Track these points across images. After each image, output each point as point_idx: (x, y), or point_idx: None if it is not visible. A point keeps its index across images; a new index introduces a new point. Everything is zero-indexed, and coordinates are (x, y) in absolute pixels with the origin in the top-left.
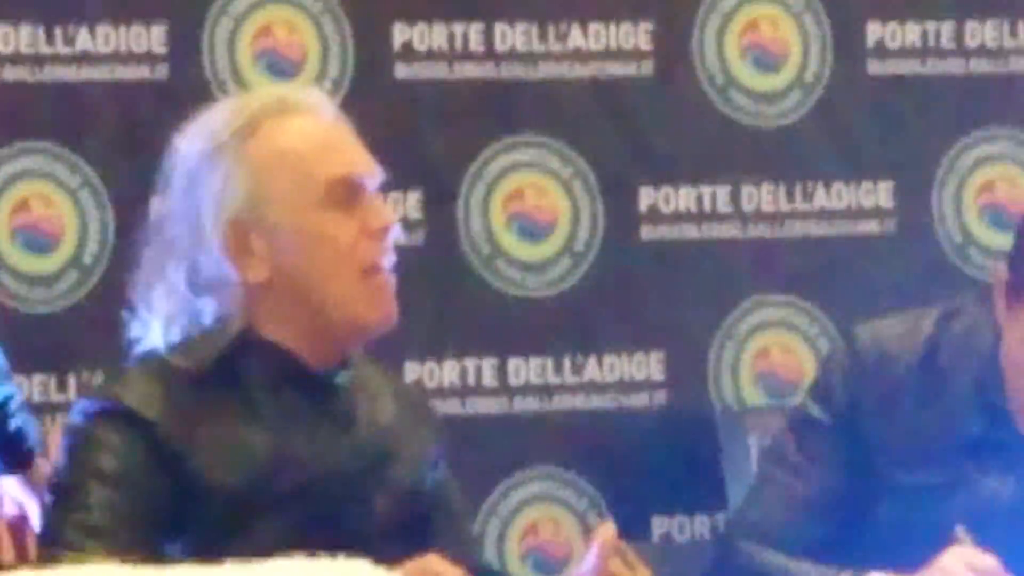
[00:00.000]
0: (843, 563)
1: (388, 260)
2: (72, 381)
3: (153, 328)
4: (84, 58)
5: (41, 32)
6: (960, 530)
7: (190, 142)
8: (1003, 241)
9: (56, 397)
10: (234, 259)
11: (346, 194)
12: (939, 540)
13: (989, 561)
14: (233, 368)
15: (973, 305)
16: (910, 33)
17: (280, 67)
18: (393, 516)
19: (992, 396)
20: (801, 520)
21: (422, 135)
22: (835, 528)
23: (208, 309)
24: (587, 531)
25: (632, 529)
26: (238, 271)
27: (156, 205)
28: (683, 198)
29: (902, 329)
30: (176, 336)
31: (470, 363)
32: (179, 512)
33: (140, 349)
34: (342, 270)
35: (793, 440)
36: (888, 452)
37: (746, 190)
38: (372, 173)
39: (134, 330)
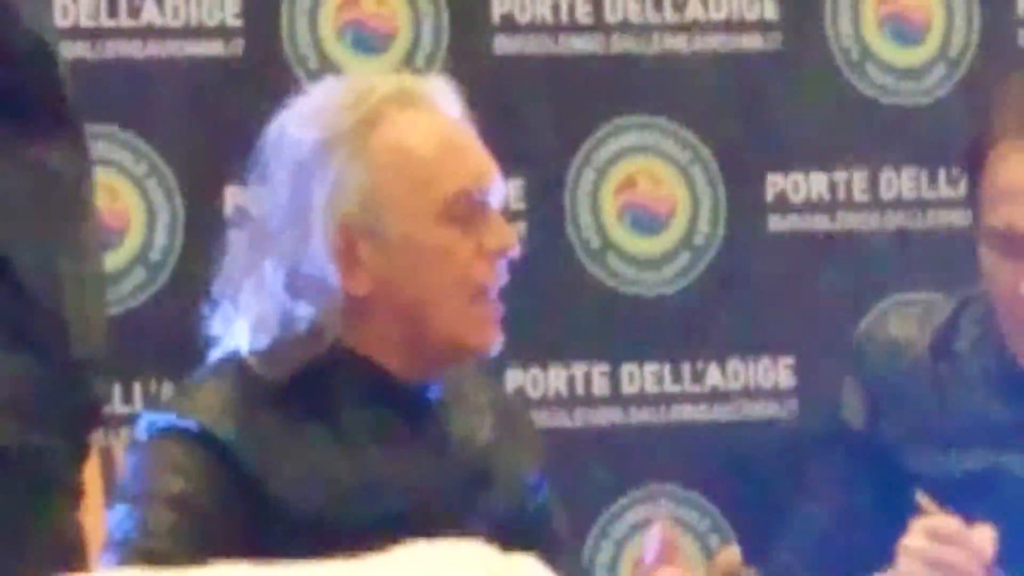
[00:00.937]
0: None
1: (499, 284)
2: (138, 391)
3: (238, 328)
4: (151, 33)
5: (104, 3)
6: (921, 496)
7: (302, 127)
8: None
9: (121, 408)
10: (340, 266)
11: (467, 210)
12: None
13: (951, 525)
14: (320, 382)
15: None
16: None
17: (367, 42)
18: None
19: (1006, 376)
20: (829, 542)
21: (524, 117)
22: (874, 544)
23: (304, 315)
24: (709, 555)
25: (757, 553)
26: (343, 279)
27: (252, 194)
28: (815, 185)
29: (915, 319)
30: (263, 342)
31: (578, 370)
32: (252, 540)
33: (219, 351)
34: (452, 291)
35: (814, 461)
36: (912, 446)
37: (885, 176)
38: (497, 187)
39: (214, 327)
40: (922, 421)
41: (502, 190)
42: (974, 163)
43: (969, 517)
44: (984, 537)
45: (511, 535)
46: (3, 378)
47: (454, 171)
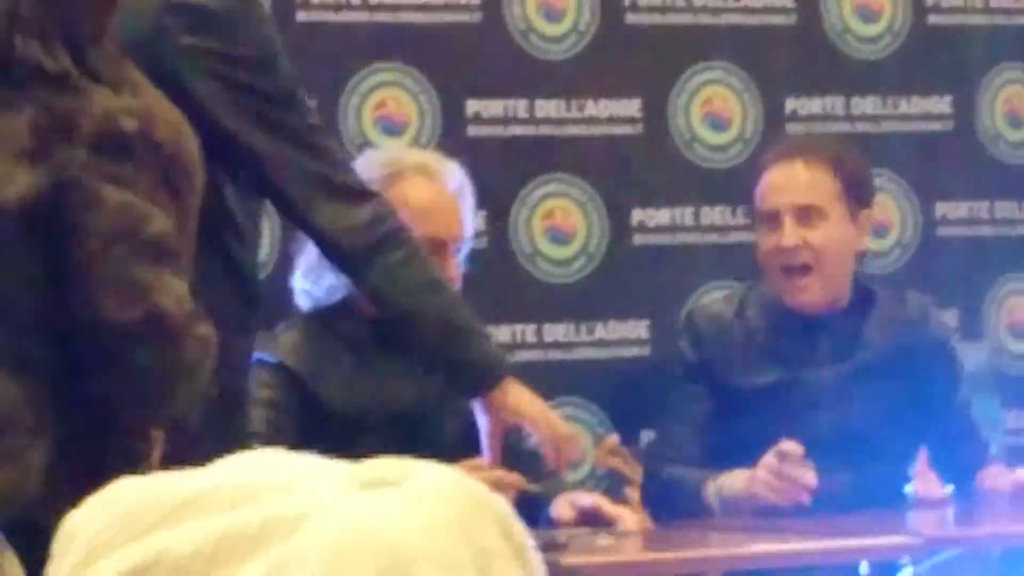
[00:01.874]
0: (731, 467)
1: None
2: None
3: (302, 293)
4: None
5: None
6: (785, 443)
7: (364, 161)
8: None
9: None
10: None
11: (432, 247)
12: (790, 429)
13: (794, 448)
14: (348, 328)
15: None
16: None
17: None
18: (461, 436)
19: (786, 319)
20: (689, 442)
21: (485, 176)
22: (719, 440)
23: (326, 283)
24: (598, 442)
25: (627, 439)
26: None
27: None
28: (661, 216)
29: (722, 300)
30: (308, 302)
31: (518, 327)
32: (308, 434)
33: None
34: None
35: (672, 393)
36: (735, 370)
37: (705, 211)
38: (451, 238)
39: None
40: (734, 356)
41: (460, 240)
42: (752, 189)
43: (780, 411)
44: (809, 468)
45: (478, 429)
46: (241, 351)
47: (427, 221)
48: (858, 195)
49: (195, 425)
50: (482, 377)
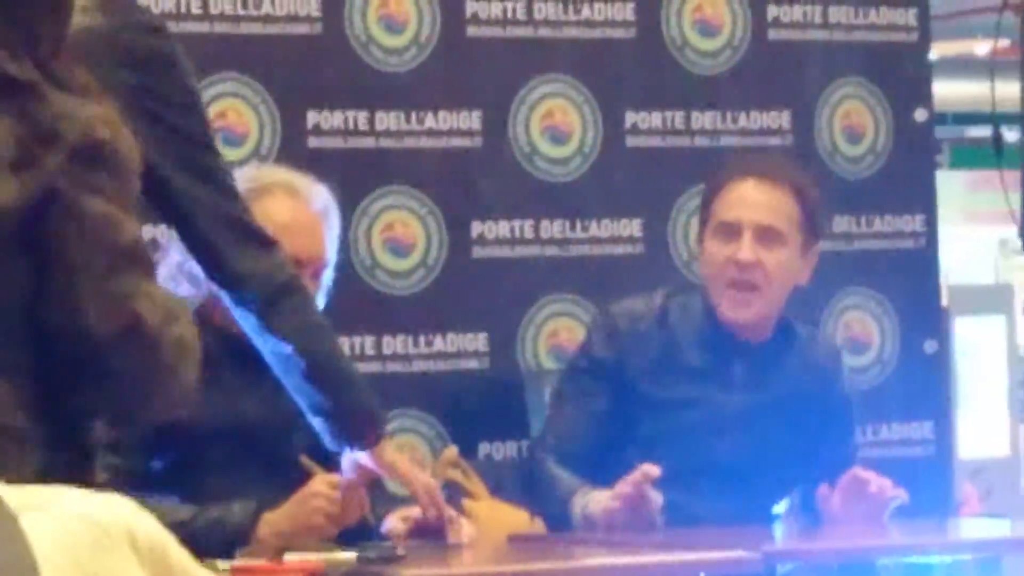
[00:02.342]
0: (619, 471)
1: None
2: None
3: None
4: None
5: None
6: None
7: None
8: None
9: None
10: None
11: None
12: (688, 447)
13: (651, 470)
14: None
15: (684, 289)
16: None
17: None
18: (308, 451)
19: (709, 335)
20: (579, 437)
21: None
22: (611, 442)
23: (183, 291)
24: (435, 452)
25: (465, 451)
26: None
27: None
28: (503, 228)
29: (643, 302)
30: None
31: (358, 338)
32: (154, 439)
33: None
34: None
35: (569, 381)
36: (644, 376)
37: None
38: (311, 259)
39: None
40: (648, 363)
41: (318, 260)
42: (710, 194)
43: (681, 427)
44: (653, 468)
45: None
46: None
47: (287, 241)
48: (814, 229)
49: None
50: (366, 428)
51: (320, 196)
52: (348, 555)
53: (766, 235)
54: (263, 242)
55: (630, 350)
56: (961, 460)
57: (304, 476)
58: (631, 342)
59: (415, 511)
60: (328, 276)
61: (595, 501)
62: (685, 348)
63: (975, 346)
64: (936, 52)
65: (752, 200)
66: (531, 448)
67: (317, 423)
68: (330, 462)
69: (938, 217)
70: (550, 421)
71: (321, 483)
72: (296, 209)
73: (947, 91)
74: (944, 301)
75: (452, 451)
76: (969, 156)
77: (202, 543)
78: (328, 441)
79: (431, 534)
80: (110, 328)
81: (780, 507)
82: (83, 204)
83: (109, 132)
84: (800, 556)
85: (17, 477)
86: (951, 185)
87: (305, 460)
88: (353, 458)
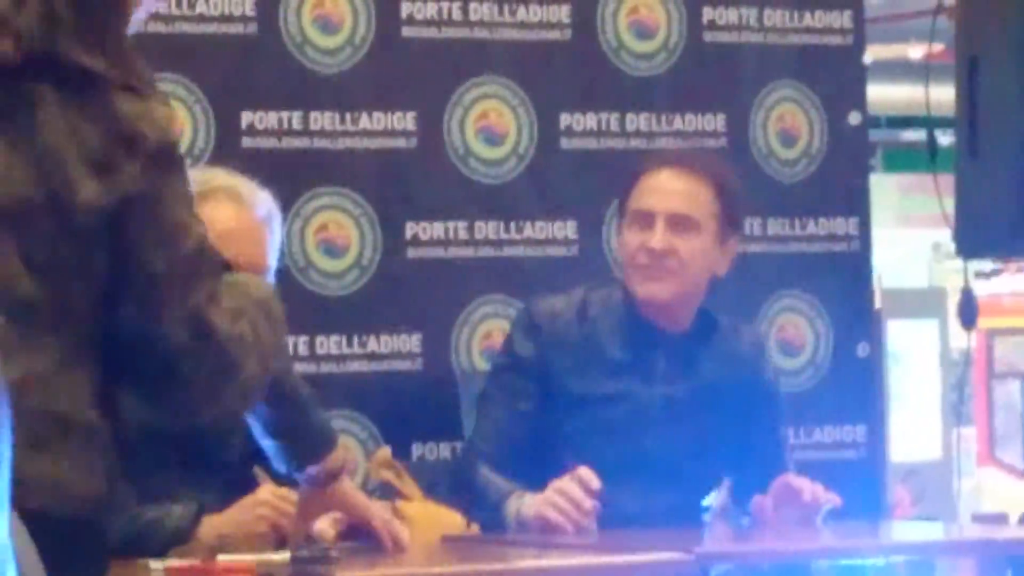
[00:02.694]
0: (550, 470)
1: None
2: None
3: None
4: None
5: None
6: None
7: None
8: None
9: None
10: None
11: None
12: (614, 442)
13: (583, 473)
14: None
15: (606, 283)
16: None
17: None
18: (246, 455)
19: (630, 328)
20: (508, 439)
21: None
22: (540, 441)
23: None
24: (369, 453)
25: (398, 452)
26: None
27: None
28: (438, 229)
29: (563, 299)
30: None
31: (290, 340)
32: None
33: None
34: None
35: (494, 383)
36: (568, 372)
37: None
38: (252, 265)
39: None
40: (570, 359)
41: (259, 266)
42: (629, 186)
43: (606, 423)
44: (592, 477)
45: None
46: None
47: (225, 247)
48: (732, 220)
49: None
50: (321, 450)
51: (264, 202)
52: (281, 556)
53: (680, 223)
54: None
55: (551, 347)
56: (894, 463)
57: (243, 480)
58: (552, 339)
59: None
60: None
61: (527, 505)
62: (606, 342)
63: (908, 349)
64: (871, 55)
65: (667, 189)
66: (461, 453)
67: (269, 445)
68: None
69: (872, 220)
70: (478, 425)
71: (268, 493)
72: (239, 215)
73: (881, 94)
74: (877, 304)
75: (385, 452)
76: (903, 160)
77: (141, 544)
78: (280, 463)
79: (363, 535)
80: (183, 336)
81: (710, 499)
82: (160, 209)
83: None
84: (734, 558)
85: (88, 475)
86: (885, 188)
87: (257, 470)
88: (307, 493)
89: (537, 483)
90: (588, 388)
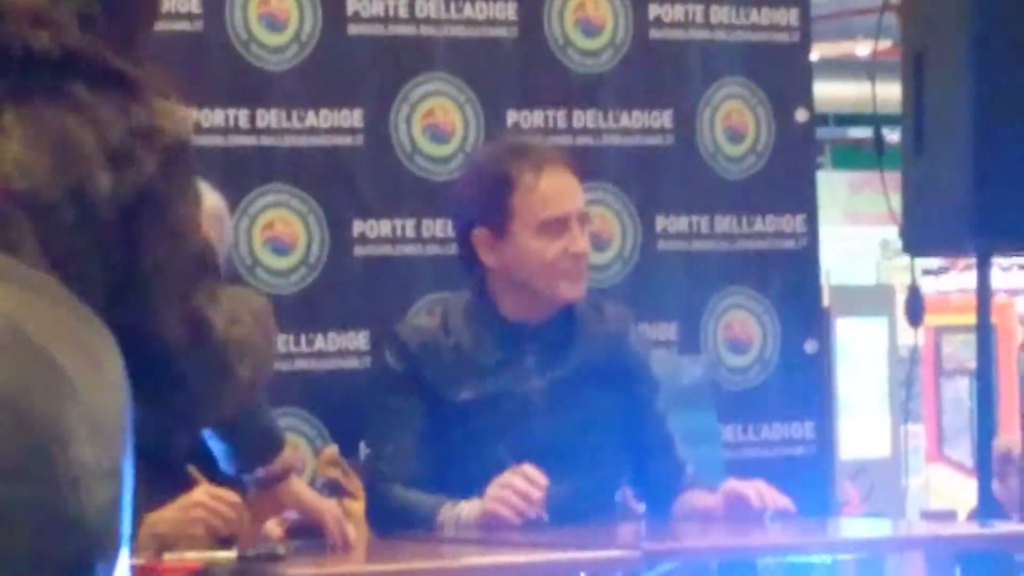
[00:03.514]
0: (456, 479)
1: None
2: None
3: None
4: None
5: None
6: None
7: None
8: None
9: None
10: None
11: None
12: (504, 442)
13: (528, 469)
14: None
15: (459, 293)
16: None
17: None
18: (194, 451)
19: (493, 331)
20: (410, 456)
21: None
22: (436, 453)
23: None
24: (317, 451)
25: (346, 450)
26: None
27: None
28: (384, 227)
29: (425, 316)
30: None
31: None
32: None
33: None
34: None
35: (381, 409)
36: (445, 384)
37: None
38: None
39: None
40: (442, 370)
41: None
42: (504, 194)
43: (492, 425)
44: (536, 473)
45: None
46: None
47: None
48: None
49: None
50: (269, 452)
51: (216, 204)
52: (228, 554)
53: (583, 219)
54: None
55: (424, 363)
56: (843, 460)
57: (186, 479)
58: (423, 355)
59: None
60: None
61: (468, 508)
62: (474, 348)
63: (856, 347)
64: (817, 52)
65: (565, 189)
66: (369, 484)
67: (218, 447)
68: (215, 468)
69: (819, 218)
70: (378, 451)
71: (203, 494)
72: None
73: (828, 92)
74: (825, 302)
75: (332, 450)
76: (850, 157)
77: None
78: (227, 464)
79: (309, 533)
80: (182, 335)
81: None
82: (171, 206)
83: (192, 131)
84: (680, 554)
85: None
86: (832, 186)
87: (192, 470)
88: (257, 495)
89: (451, 494)
90: (465, 395)
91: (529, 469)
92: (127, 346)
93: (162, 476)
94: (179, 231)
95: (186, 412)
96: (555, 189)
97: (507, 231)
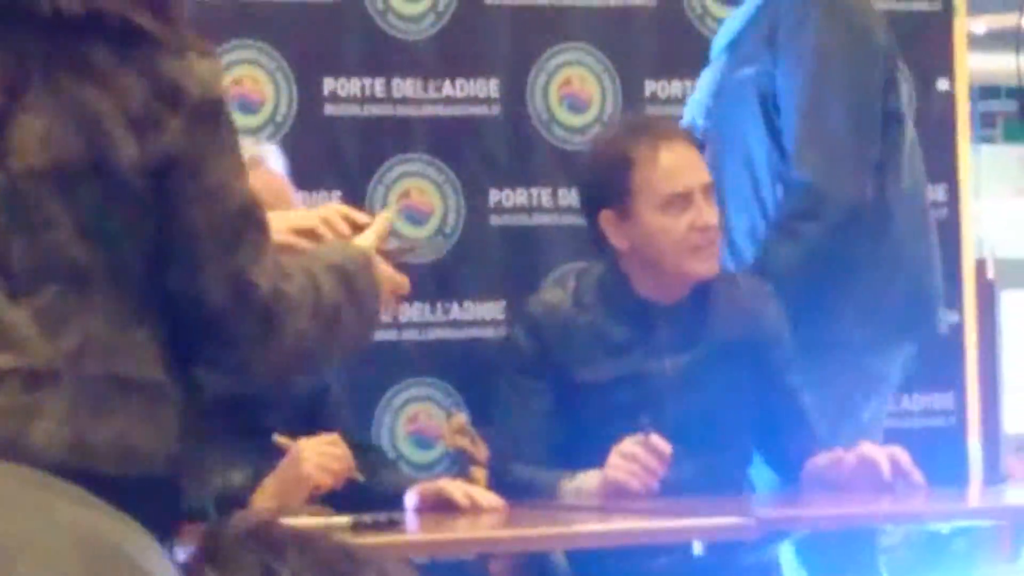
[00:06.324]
0: (575, 461)
1: None
2: None
3: None
4: None
5: None
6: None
7: None
8: None
9: None
10: None
11: None
12: (630, 423)
13: (647, 438)
14: None
15: (593, 264)
16: None
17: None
18: (285, 424)
19: (627, 308)
20: (534, 439)
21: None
22: (563, 436)
23: None
24: (448, 418)
25: (481, 419)
26: None
27: None
28: (519, 197)
29: (557, 290)
30: None
31: None
32: None
33: None
34: None
35: (509, 387)
36: (576, 363)
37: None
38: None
39: None
40: (575, 349)
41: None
42: (624, 171)
43: (622, 407)
44: (663, 442)
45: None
46: None
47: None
48: None
49: None
50: None
51: (279, 159)
52: (343, 519)
53: (710, 191)
54: None
55: (555, 341)
56: (1008, 435)
57: (279, 454)
58: (553, 333)
59: (429, 487)
60: None
61: (587, 478)
62: (606, 325)
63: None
64: (984, 25)
65: (687, 163)
66: (492, 464)
67: None
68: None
69: (986, 191)
70: (502, 431)
71: (310, 449)
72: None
73: (1000, 64)
74: (990, 275)
75: (460, 418)
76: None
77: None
78: None
79: (443, 507)
80: (226, 297)
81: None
82: (202, 167)
83: (223, 89)
84: (795, 523)
85: (156, 433)
86: (1003, 159)
87: (279, 438)
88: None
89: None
90: (597, 375)
91: (654, 438)
92: (177, 310)
93: (252, 452)
94: (214, 191)
95: (238, 370)
96: (675, 163)
97: (632, 211)
